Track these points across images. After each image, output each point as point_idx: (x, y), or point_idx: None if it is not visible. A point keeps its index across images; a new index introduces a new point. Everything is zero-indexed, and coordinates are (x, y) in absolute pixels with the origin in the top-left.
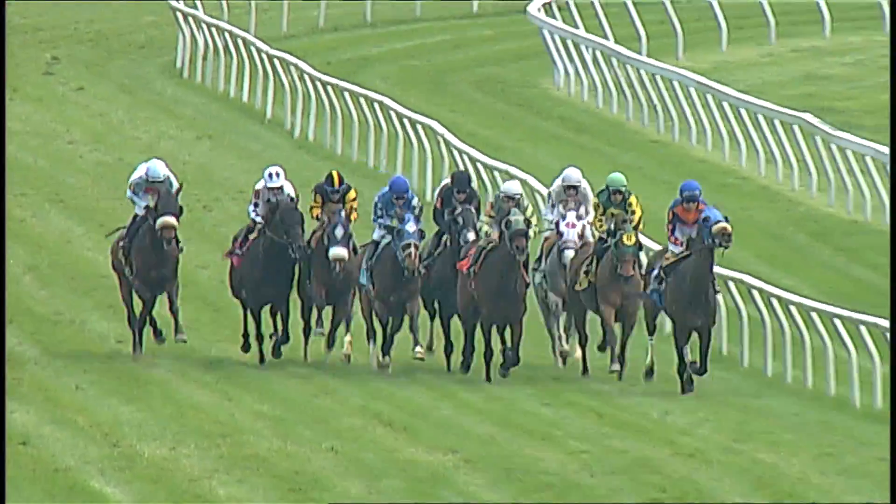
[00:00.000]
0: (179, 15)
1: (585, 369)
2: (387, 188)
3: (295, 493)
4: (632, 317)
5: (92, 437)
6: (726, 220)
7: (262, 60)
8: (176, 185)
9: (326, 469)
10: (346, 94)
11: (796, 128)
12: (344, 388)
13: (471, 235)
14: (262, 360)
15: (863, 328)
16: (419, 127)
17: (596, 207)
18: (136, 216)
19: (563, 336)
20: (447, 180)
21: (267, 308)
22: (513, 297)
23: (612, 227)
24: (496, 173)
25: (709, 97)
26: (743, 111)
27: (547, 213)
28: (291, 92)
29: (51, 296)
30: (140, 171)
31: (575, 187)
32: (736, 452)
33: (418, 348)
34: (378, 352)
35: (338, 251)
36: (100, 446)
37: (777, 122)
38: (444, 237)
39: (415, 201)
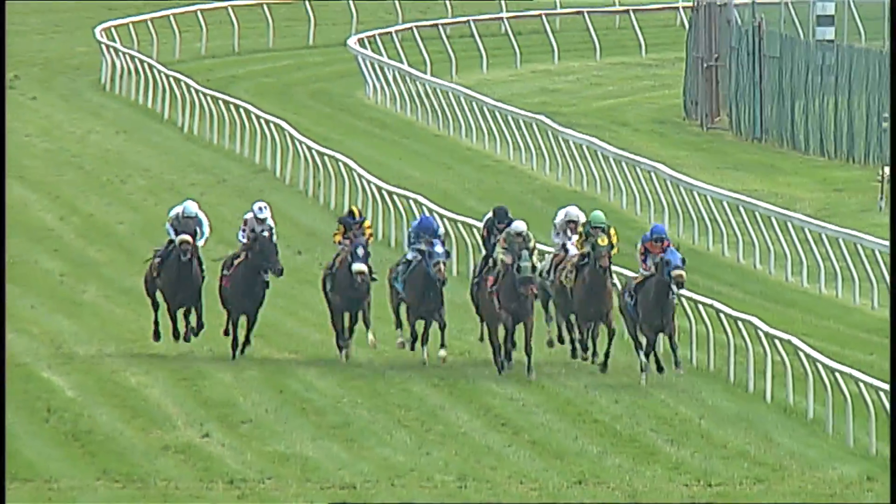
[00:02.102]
0: (103, 46)
1: (574, 353)
2: (417, 223)
3: (185, 381)
4: (608, 321)
5: (42, 342)
6: (683, 262)
7: (161, 78)
8: (205, 221)
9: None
10: (220, 102)
11: (534, 125)
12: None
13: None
14: (234, 357)
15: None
16: (271, 125)
17: (580, 235)
18: (169, 242)
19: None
20: (490, 214)
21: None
22: (522, 302)
23: (591, 247)
24: (326, 158)
25: (474, 104)
26: (497, 113)
27: (554, 238)
28: (182, 100)
29: (12, 245)
30: (177, 209)
31: (575, 222)
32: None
33: (442, 351)
34: (404, 337)
35: (359, 266)
36: (47, 348)
37: (521, 122)
38: (490, 260)
39: (441, 232)
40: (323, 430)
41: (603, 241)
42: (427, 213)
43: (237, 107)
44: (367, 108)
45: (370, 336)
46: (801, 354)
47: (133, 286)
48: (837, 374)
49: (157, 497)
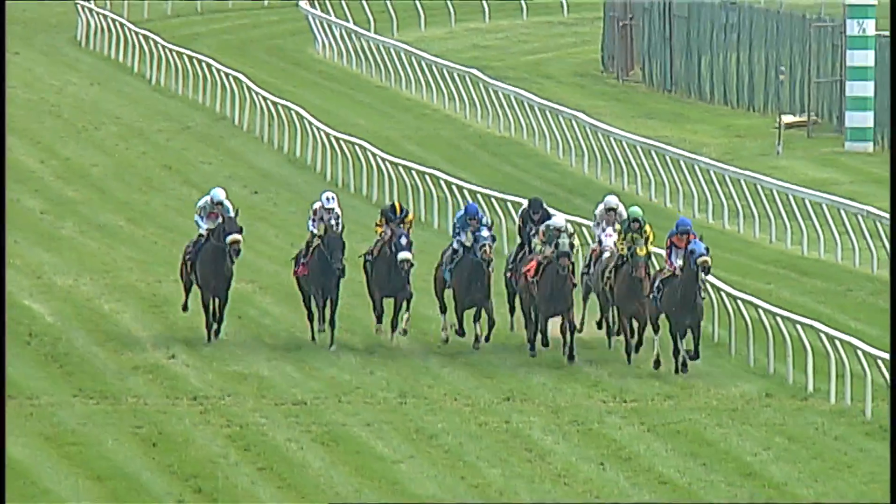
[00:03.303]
0: (79, 6)
1: (610, 344)
2: (462, 211)
3: (154, 308)
4: (643, 314)
5: (24, 273)
6: (707, 251)
7: (131, 35)
8: (231, 208)
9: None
10: (185, 57)
11: (468, 78)
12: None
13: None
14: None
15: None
16: (231, 78)
17: (619, 233)
18: (199, 236)
19: (592, 326)
20: (526, 204)
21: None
22: (562, 296)
23: (630, 245)
24: (279, 107)
25: (413, 59)
26: (434, 67)
27: (594, 229)
28: (150, 55)
29: None
30: (205, 198)
31: (614, 209)
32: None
33: (478, 343)
34: (450, 322)
35: (405, 254)
36: (29, 279)
37: (455, 75)
38: (525, 248)
39: (485, 219)
40: (277, 352)
41: (642, 250)
42: (471, 201)
43: (200, 61)
44: (316, 63)
45: (404, 323)
46: (707, 284)
47: (106, 222)
48: (739, 302)
49: (128, 412)
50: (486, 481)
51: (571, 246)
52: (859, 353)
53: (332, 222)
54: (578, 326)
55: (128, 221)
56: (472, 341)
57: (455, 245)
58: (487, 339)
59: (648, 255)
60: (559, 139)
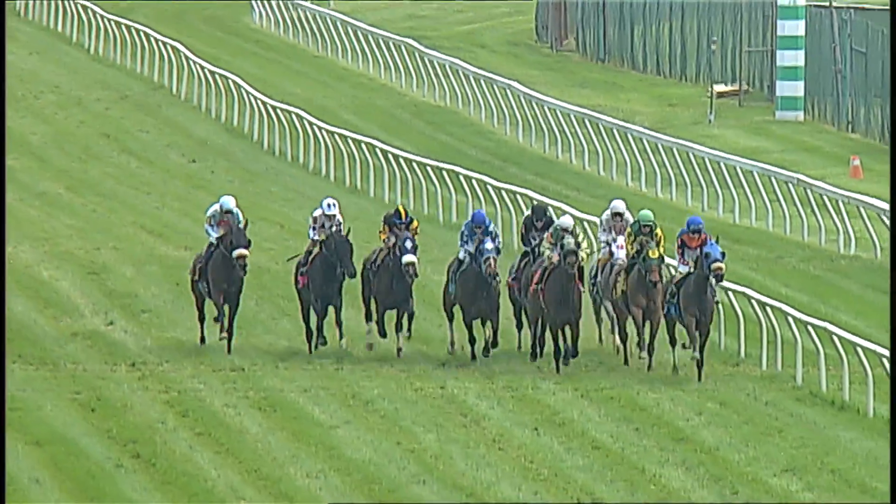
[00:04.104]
0: None
1: (626, 360)
2: (470, 220)
3: (92, 275)
4: (656, 315)
5: None
6: (723, 256)
7: (70, 5)
8: (242, 219)
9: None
10: (122, 26)
11: (403, 47)
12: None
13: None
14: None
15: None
16: (168, 47)
17: (629, 235)
18: (210, 244)
19: (613, 337)
20: (529, 211)
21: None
22: (571, 303)
23: (639, 248)
24: (217, 76)
25: (349, 28)
26: (370, 37)
27: (601, 235)
28: (88, 25)
29: None
30: (215, 207)
31: (620, 214)
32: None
33: (488, 350)
34: (455, 336)
35: (409, 258)
36: None
37: (391, 44)
38: (529, 256)
39: (491, 227)
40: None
41: (654, 253)
42: (479, 209)
43: (138, 31)
44: (253, 32)
45: (399, 342)
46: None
47: (45, 190)
48: (671, 268)
49: (67, 378)
50: (422, 446)
51: (578, 245)
52: (790, 319)
53: (334, 230)
54: (598, 340)
55: (67, 189)
56: (482, 348)
57: (461, 255)
58: (495, 344)
59: (661, 257)
60: (494, 108)
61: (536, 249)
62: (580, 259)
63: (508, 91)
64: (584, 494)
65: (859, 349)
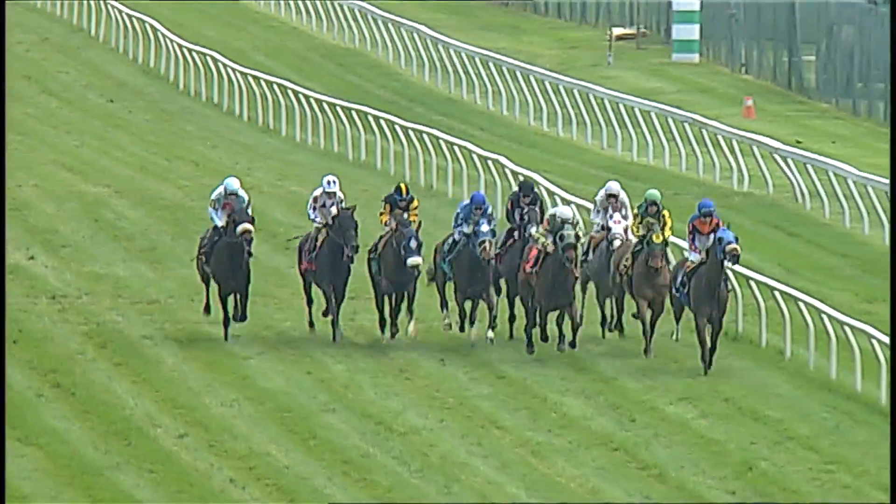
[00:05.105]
0: None
1: (622, 332)
2: (468, 201)
3: (14, 211)
4: (660, 303)
5: None
6: (736, 240)
7: None
8: (246, 198)
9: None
10: None
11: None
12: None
13: (534, 230)
14: (311, 325)
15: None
16: (134, 20)
17: (635, 216)
18: (215, 227)
19: (608, 312)
20: (516, 188)
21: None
22: (564, 289)
23: (645, 231)
24: (134, 20)
25: None
26: None
27: (594, 217)
28: None
29: None
30: (219, 189)
31: (616, 196)
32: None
33: (490, 332)
34: (449, 316)
35: (415, 259)
36: None
37: None
38: (514, 233)
39: (490, 210)
40: (132, 253)
41: (658, 237)
42: (479, 191)
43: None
44: None
45: (411, 326)
46: (542, 189)
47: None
48: (573, 205)
49: None
50: (332, 376)
51: (577, 237)
52: (685, 253)
53: (334, 210)
54: (579, 319)
55: None
56: (483, 330)
57: (456, 236)
58: (493, 326)
59: (666, 242)
60: (401, 50)
61: (523, 228)
62: (577, 251)
63: (415, 34)
64: (487, 422)
65: (752, 283)
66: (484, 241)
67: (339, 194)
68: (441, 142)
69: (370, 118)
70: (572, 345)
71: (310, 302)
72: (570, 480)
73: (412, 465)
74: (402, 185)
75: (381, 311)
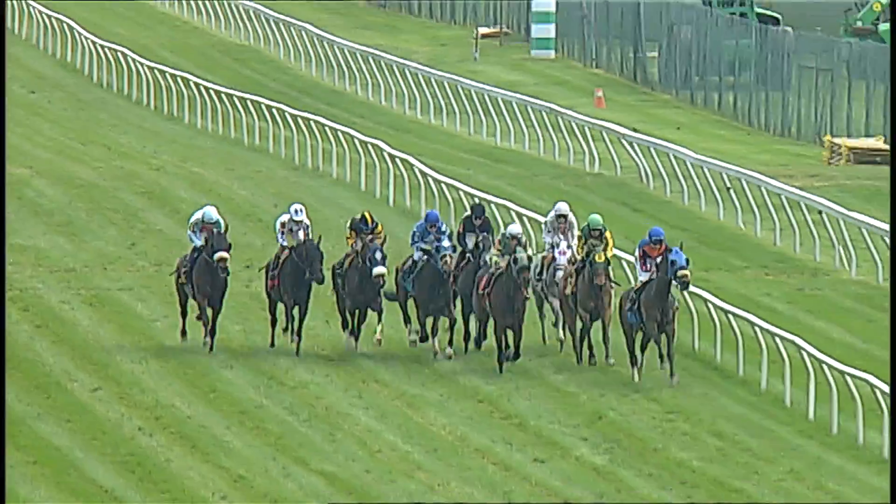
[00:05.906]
0: None
1: (579, 359)
2: (423, 220)
3: (61, 227)
4: (605, 314)
5: None
6: (687, 262)
7: None
8: (223, 225)
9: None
10: None
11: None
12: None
13: (488, 256)
14: (272, 343)
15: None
16: (53, 19)
17: (579, 238)
18: (194, 248)
19: (560, 331)
20: (468, 212)
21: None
22: (515, 310)
23: (588, 251)
24: (53, 19)
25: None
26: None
27: (545, 237)
28: None
29: None
30: (197, 215)
31: (564, 216)
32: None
33: (448, 350)
34: (413, 332)
35: (380, 269)
36: None
37: None
38: (467, 256)
39: (444, 227)
40: (51, 227)
41: (600, 257)
42: (433, 210)
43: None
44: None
45: (378, 334)
46: (416, 170)
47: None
48: (443, 185)
49: None
50: (230, 337)
51: (529, 259)
52: (542, 227)
53: (301, 235)
54: (541, 338)
55: None
56: (438, 352)
57: (416, 256)
58: (451, 343)
59: (607, 261)
60: (291, 47)
61: (476, 251)
62: (530, 273)
63: (303, 32)
64: (368, 377)
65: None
66: (445, 255)
67: (306, 221)
68: (326, 128)
69: (263, 107)
70: (516, 357)
71: (274, 322)
72: (441, 429)
73: (301, 415)
74: (367, 214)
75: (342, 315)
